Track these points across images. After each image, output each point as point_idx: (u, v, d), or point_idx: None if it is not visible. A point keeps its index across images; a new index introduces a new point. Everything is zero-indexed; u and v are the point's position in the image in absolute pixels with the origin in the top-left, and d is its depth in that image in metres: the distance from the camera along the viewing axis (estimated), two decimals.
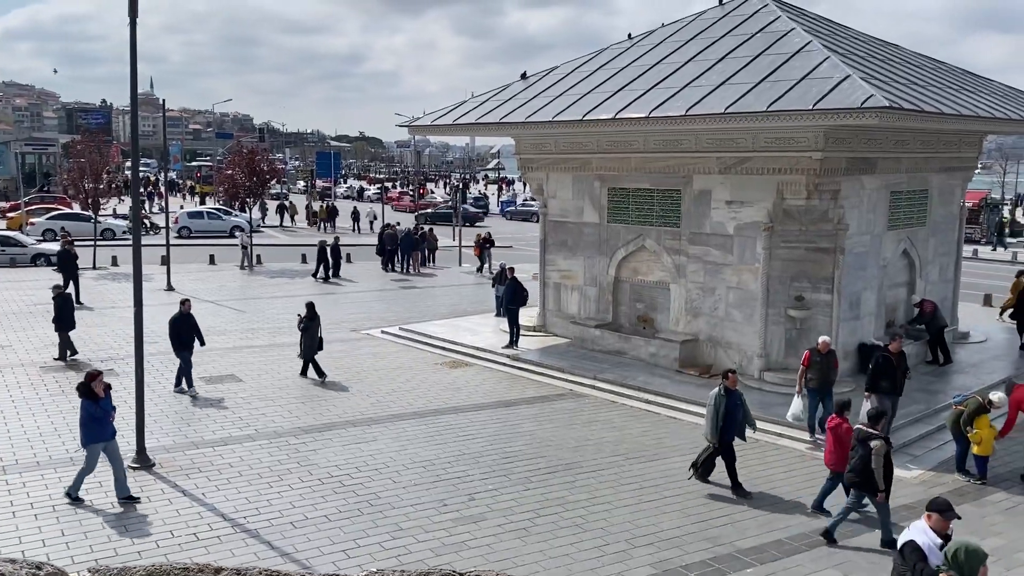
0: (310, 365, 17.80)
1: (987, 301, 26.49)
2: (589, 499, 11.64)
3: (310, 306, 18.05)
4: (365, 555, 9.83)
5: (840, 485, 11.07)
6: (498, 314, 23.47)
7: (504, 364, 19.12)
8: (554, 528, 10.69)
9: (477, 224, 54.28)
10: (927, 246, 19.65)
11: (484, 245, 34.98)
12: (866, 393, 13.67)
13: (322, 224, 53.40)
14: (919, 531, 6.87)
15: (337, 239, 33.73)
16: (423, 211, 61.69)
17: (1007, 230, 47.72)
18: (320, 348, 17.86)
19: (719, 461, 12.25)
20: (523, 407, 16.06)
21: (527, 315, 21.18)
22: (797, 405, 13.99)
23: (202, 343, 17.04)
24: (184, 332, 16.67)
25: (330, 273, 32.08)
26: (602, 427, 14.88)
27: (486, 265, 34.26)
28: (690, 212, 18.15)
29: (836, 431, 11.14)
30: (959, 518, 7.13)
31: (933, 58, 21.66)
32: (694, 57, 18.68)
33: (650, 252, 19.05)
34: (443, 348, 20.69)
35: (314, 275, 32.06)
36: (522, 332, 20.29)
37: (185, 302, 17.19)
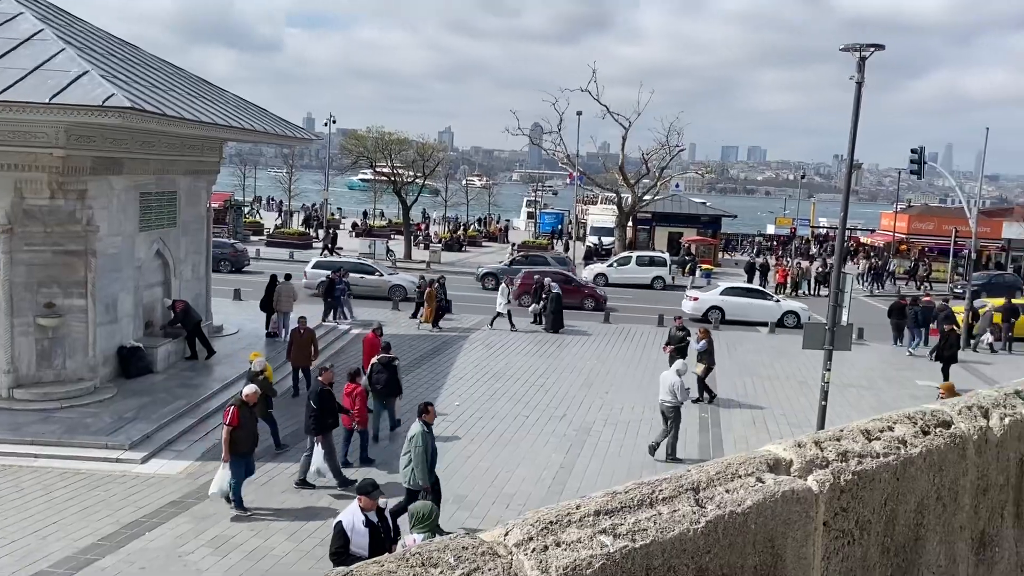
0: None
1: (237, 295, 28.61)
2: None
3: None
4: None
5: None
6: None
7: None
8: None
9: None
10: (179, 246, 20.30)
11: None
12: (317, 437, 12.38)
13: None
14: (348, 513, 7.57)
15: None
16: None
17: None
18: None
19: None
20: None
21: None
22: (223, 477, 11.40)
23: None
24: None
25: None
26: None
27: None
28: None
29: (352, 395, 13.46)
30: (384, 495, 7.92)
31: (172, 63, 22.36)
32: None
33: None
34: None
35: None
36: None
37: None
